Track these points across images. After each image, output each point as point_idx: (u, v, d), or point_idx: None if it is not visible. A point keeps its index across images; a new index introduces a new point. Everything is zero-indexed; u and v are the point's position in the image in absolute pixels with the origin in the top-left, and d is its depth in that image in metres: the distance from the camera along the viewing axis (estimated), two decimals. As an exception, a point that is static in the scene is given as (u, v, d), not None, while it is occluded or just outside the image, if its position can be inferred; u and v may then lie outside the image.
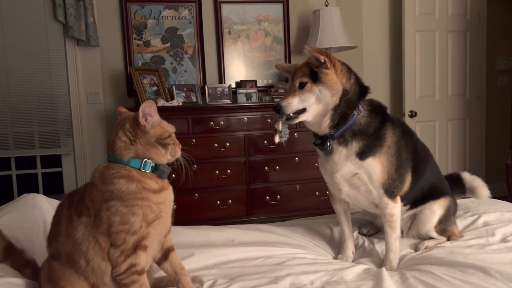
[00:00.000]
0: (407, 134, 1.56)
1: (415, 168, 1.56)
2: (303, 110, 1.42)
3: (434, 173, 1.68)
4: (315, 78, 1.40)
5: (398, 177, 1.49)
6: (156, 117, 1.10)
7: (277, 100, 3.34)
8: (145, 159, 1.09)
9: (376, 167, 1.45)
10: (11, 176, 3.34)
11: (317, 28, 3.37)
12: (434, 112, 3.81)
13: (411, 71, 3.68)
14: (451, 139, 3.89)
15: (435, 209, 1.62)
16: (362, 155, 1.44)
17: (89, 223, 1.05)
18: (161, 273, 1.31)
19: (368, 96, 1.52)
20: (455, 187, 1.86)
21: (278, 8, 3.66)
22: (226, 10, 3.56)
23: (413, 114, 3.68)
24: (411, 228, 1.69)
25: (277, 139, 1.44)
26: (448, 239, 1.64)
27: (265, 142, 3.16)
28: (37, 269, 1.20)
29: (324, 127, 1.45)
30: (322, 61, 1.39)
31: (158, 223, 1.10)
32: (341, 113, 1.42)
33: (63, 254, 1.08)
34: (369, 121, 1.46)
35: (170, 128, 1.14)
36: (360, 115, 1.45)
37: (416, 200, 1.64)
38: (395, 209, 1.52)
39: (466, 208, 1.93)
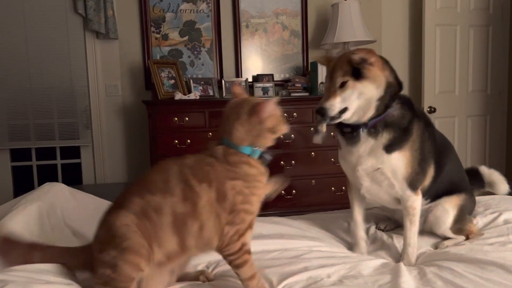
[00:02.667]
0: (429, 126, 1.54)
1: (437, 161, 1.54)
2: (345, 109, 1.39)
3: (455, 166, 1.66)
4: (357, 74, 1.37)
5: (421, 170, 1.47)
6: (273, 109, 1.16)
7: (294, 94, 3.35)
8: (255, 148, 1.16)
9: (401, 160, 1.43)
10: (32, 167, 3.41)
11: (335, 21, 3.34)
12: (454, 108, 3.75)
13: (431, 66, 3.61)
14: (470, 136, 3.82)
15: (448, 208, 1.58)
16: (389, 148, 1.42)
17: (211, 195, 1.08)
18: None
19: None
20: (474, 181, 1.82)
21: (296, 1, 3.64)
22: (244, 3, 3.55)
23: (432, 110, 3.62)
24: (426, 221, 1.65)
25: (319, 140, 1.44)
26: (467, 238, 1.61)
27: (281, 136, 3.15)
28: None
29: (365, 118, 1.41)
30: (370, 62, 1.36)
31: None
32: (386, 104, 1.41)
33: (167, 213, 1.05)
34: (403, 113, 1.44)
35: (280, 113, 1.19)
36: (394, 107, 1.43)
37: (437, 194, 1.61)
38: (417, 201, 1.50)
39: (486, 205, 1.89)
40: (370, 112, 1.41)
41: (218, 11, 3.51)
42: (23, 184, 3.43)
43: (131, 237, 1.02)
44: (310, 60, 3.67)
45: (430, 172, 1.52)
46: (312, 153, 3.20)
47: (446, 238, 1.63)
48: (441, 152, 1.58)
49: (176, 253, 1.09)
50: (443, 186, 1.61)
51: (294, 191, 3.20)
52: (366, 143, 1.44)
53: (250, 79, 3.51)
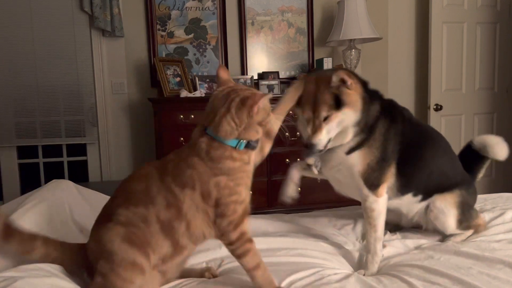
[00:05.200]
0: (395, 122, 1.46)
1: (406, 156, 1.47)
2: (329, 140, 1.39)
3: (443, 160, 1.58)
4: (338, 104, 1.35)
5: (378, 168, 1.42)
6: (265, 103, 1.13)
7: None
8: (241, 140, 1.12)
9: (358, 159, 1.41)
10: (38, 164, 3.43)
11: (341, 19, 3.32)
12: (460, 106, 3.73)
13: (437, 64, 3.59)
14: (477, 134, 3.79)
15: (443, 208, 1.54)
16: (351, 150, 1.41)
17: (195, 196, 1.08)
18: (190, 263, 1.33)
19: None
20: (474, 161, 1.73)
21: (302, -1, 3.63)
22: (250, 1, 3.55)
23: (438, 108, 3.60)
24: (428, 224, 1.62)
25: (315, 171, 1.48)
26: (476, 231, 1.60)
27: (287, 134, 3.15)
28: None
29: (344, 142, 1.41)
30: (349, 83, 1.33)
31: None
32: (365, 124, 1.39)
33: (153, 222, 1.07)
34: (370, 114, 1.41)
35: (269, 105, 1.16)
36: None
37: (429, 188, 1.55)
38: (376, 203, 1.44)
39: (494, 203, 1.88)
40: (347, 139, 1.40)
41: (223, 9, 3.51)
42: (29, 181, 3.45)
43: (118, 252, 1.04)
44: (315, 58, 3.66)
45: (391, 171, 1.46)
46: (318, 151, 3.19)
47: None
48: (416, 145, 1.51)
49: (171, 254, 1.11)
50: (435, 177, 1.55)
51: (299, 188, 3.19)
52: (331, 151, 1.44)
53: (255, 77, 3.50)
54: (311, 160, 1.43)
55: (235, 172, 1.11)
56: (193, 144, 1.12)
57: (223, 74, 1.20)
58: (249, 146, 1.14)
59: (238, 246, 1.11)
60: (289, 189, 1.64)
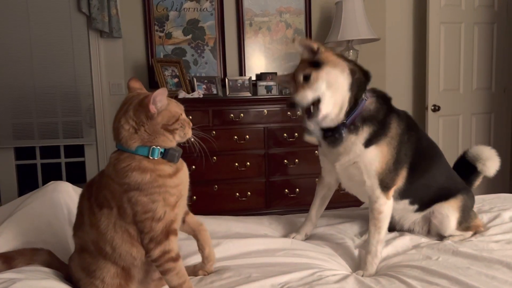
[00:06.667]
0: (411, 129, 1.49)
1: (415, 164, 1.49)
2: (318, 101, 1.36)
3: (444, 172, 1.61)
4: (316, 64, 1.36)
5: (394, 169, 1.43)
6: (164, 101, 1.03)
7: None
8: (153, 146, 1.04)
9: (377, 155, 1.40)
10: (36, 165, 3.42)
11: (339, 19, 3.33)
12: (458, 106, 3.73)
13: (435, 64, 3.60)
14: (475, 134, 3.81)
15: (447, 214, 1.56)
16: (368, 142, 1.40)
17: (112, 214, 1.05)
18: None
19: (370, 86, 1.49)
20: (468, 173, 1.75)
21: (299, -1, 3.63)
22: (248, 1, 3.55)
23: (436, 108, 3.61)
24: (430, 231, 1.64)
25: (308, 137, 1.44)
26: (474, 233, 1.61)
27: (285, 135, 3.15)
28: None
29: (343, 112, 1.39)
30: (316, 48, 1.36)
31: (180, 203, 1.10)
32: (355, 94, 1.39)
33: (89, 242, 1.09)
34: (378, 107, 1.43)
35: (178, 109, 1.07)
36: (368, 101, 1.42)
37: (424, 200, 1.59)
38: (385, 206, 1.44)
39: (492, 204, 1.89)
40: (345, 106, 1.38)
41: (221, 10, 3.51)
42: (27, 182, 3.44)
43: (82, 279, 1.10)
44: (313, 58, 3.66)
45: (403, 174, 1.47)
46: (316, 152, 3.19)
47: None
48: (422, 156, 1.53)
49: (125, 274, 1.09)
50: (433, 191, 1.58)
51: (297, 189, 3.20)
52: (347, 141, 1.41)
53: (253, 78, 3.50)
54: (310, 125, 1.40)
55: (147, 186, 1.01)
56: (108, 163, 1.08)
57: (134, 84, 1.14)
58: (167, 155, 1.05)
59: (160, 264, 1.06)
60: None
